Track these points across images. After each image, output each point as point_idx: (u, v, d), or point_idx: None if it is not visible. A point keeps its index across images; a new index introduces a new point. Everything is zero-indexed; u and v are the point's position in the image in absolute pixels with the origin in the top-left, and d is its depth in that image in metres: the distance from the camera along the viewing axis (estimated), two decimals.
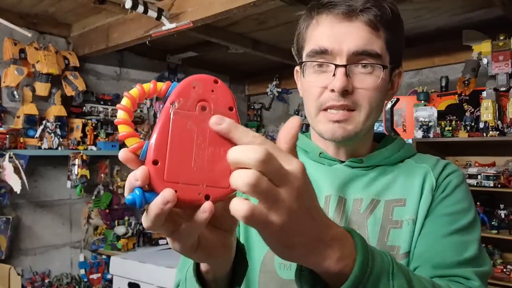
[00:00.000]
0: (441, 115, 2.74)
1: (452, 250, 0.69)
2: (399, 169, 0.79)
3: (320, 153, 0.80)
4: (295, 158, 0.41)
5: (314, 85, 0.74)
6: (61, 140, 2.70)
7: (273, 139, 4.15)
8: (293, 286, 0.71)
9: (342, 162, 0.79)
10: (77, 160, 2.72)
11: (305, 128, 3.71)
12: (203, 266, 0.54)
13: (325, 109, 0.74)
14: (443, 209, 0.73)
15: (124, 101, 0.44)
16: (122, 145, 2.99)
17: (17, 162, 2.44)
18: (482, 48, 2.52)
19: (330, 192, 0.76)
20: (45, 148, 2.64)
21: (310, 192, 0.42)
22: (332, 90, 0.71)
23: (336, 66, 0.71)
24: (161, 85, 0.45)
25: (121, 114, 0.43)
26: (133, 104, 0.44)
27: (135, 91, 0.44)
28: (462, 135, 2.57)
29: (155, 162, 0.41)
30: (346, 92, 0.71)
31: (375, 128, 0.86)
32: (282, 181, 0.39)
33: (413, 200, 0.74)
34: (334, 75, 0.71)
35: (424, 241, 0.71)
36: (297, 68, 0.81)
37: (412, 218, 0.73)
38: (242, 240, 0.79)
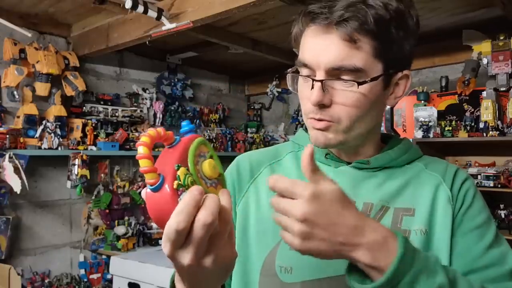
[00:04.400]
0: (441, 115, 2.73)
1: (493, 266, 0.70)
2: (408, 172, 0.79)
3: (327, 154, 0.80)
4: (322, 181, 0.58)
5: (302, 95, 0.75)
6: (61, 140, 2.70)
7: (273, 139, 4.12)
8: None
9: (349, 163, 0.79)
10: (77, 160, 2.72)
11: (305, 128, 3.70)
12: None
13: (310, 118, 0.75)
14: (469, 223, 0.74)
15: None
16: (122, 145, 2.99)
17: (17, 162, 2.44)
18: (482, 48, 2.51)
19: None
20: (45, 148, 2.63)
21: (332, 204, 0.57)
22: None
23: (314, 80, 0.70)
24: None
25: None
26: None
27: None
28: (462, 135, 2.57)
29: None
30: (323, 106, 0.70)
31: None
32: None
33: (422, 211, 0.74)
34: (312, 88, 0.70)
35: (461, 262, 0.72)
36: None
37: (420, 228, 0.72)
38: (239, 244, 0.79)
